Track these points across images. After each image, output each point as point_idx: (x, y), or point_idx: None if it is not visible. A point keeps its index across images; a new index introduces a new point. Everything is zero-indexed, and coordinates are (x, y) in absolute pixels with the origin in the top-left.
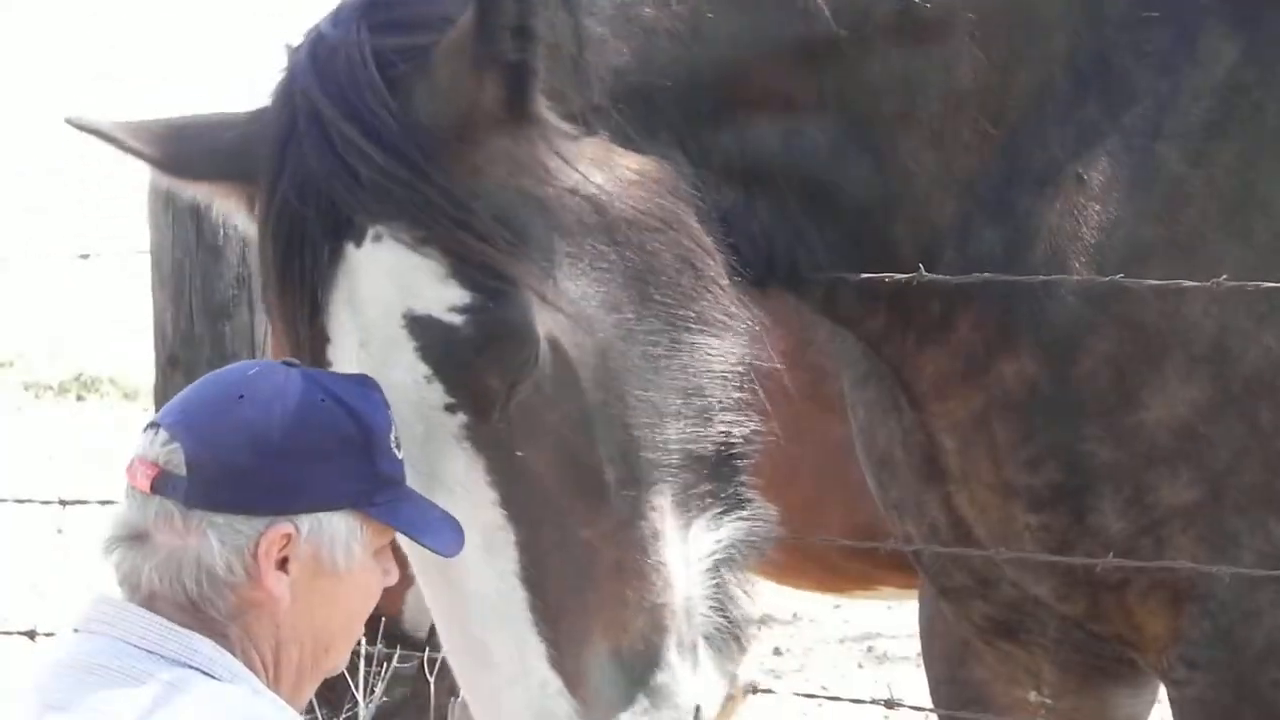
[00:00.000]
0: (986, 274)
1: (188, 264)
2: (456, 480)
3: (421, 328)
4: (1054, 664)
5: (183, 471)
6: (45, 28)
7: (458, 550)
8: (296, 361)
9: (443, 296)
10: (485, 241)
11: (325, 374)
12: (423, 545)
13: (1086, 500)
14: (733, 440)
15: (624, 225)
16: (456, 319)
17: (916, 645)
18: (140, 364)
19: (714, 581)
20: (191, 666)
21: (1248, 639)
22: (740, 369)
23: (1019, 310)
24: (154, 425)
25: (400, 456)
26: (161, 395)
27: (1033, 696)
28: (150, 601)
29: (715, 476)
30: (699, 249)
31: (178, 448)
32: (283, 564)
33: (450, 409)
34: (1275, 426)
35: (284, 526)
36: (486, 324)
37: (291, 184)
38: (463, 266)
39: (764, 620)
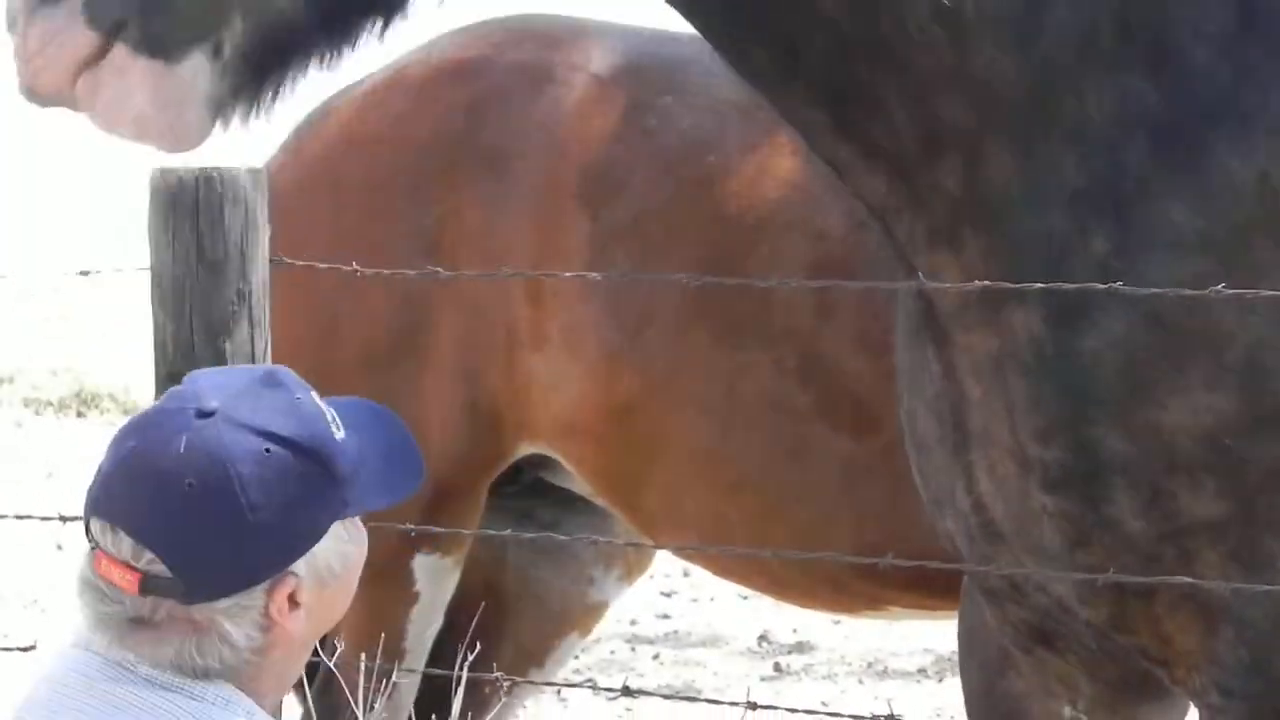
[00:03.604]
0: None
1: (188, 281)
2: None
3: None
4: (1089, 675)
5: (169, 574)
6: None
7: (418, 481)
8: (213, 405)
9: None
10: None
11: (244, 406)
12: (398, 502)
13: (1098, 489)
14: None
15: None
16: None
17: (916, 661)
18: (141, 381)
19: None
20: (184, 693)
21: None
22: None
23: (1032, 255)
24: (101, 519)
25: (343, 436)
26: None
27: (1067, 712)
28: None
29: None
30: None
31: (155, 558)
32: (292, 600)
33: None
34: None
35: (287, 580)
36: None
37: None
38: None
39: (764, 637)
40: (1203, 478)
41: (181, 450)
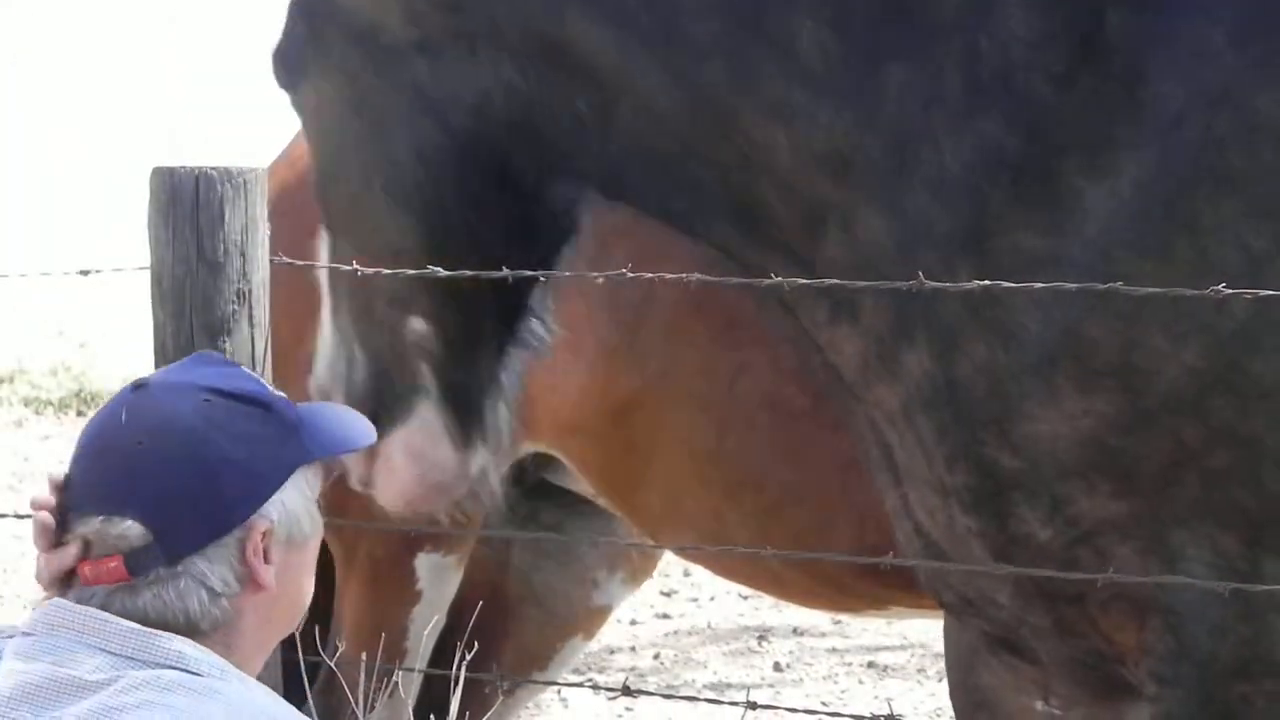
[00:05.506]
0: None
1: (188, 281)
2: None
3: None
4: (1062, 677)
5: (150, 538)
6: (44, 35)
7: (374, 433)
8: (145, 380)
9: None
10: None
11: (175, 374)
12: (360, 450)
13: (1004, 506)
14: None
15: None
16: None
17: (916, 660)
18: None
19: None
20: (170, 666)
21: (1213, 654)
22: None
23: (913, 300)
24: (72, 513)
25: (281, 395)
26: None
27: (1039, 706)
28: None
29: None
30: None
31: (130, 522)
32: (266, 548)
33: None
34: (1207, 444)
35: (260, 523)
36: None
37: None
38: None
39: (764, 637)
40: (1096, 480)
41: (124, 420)
